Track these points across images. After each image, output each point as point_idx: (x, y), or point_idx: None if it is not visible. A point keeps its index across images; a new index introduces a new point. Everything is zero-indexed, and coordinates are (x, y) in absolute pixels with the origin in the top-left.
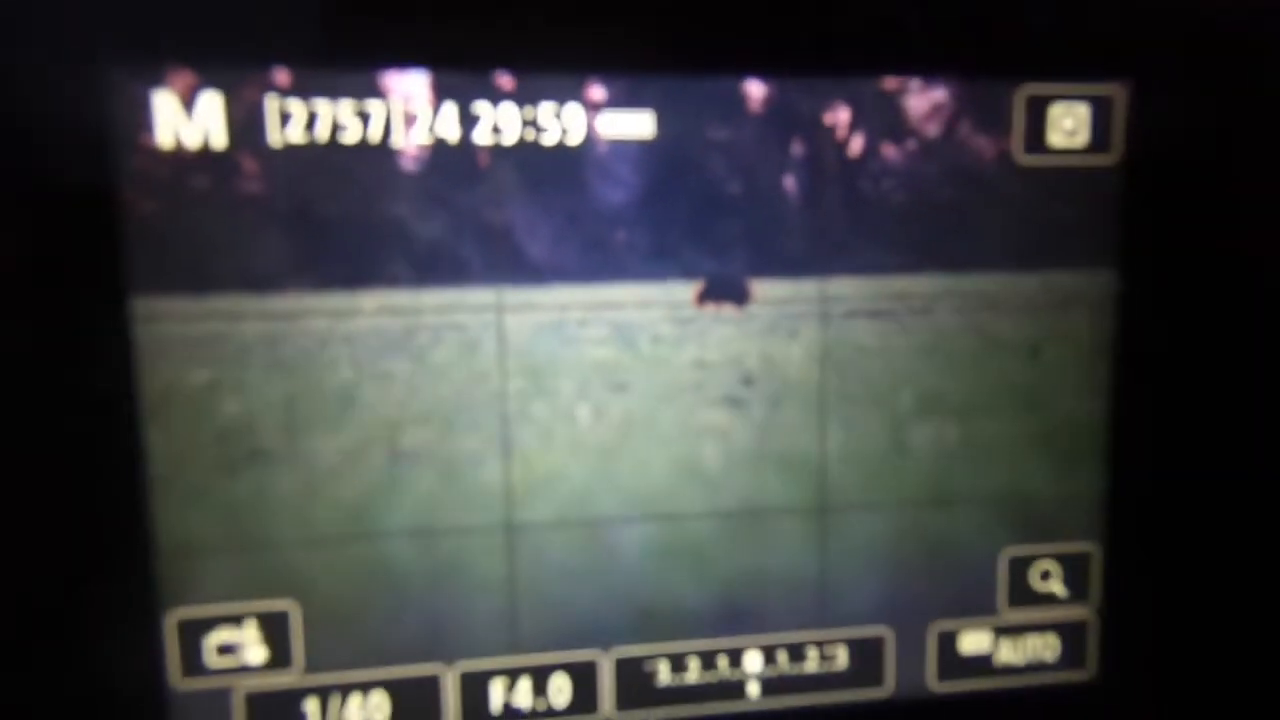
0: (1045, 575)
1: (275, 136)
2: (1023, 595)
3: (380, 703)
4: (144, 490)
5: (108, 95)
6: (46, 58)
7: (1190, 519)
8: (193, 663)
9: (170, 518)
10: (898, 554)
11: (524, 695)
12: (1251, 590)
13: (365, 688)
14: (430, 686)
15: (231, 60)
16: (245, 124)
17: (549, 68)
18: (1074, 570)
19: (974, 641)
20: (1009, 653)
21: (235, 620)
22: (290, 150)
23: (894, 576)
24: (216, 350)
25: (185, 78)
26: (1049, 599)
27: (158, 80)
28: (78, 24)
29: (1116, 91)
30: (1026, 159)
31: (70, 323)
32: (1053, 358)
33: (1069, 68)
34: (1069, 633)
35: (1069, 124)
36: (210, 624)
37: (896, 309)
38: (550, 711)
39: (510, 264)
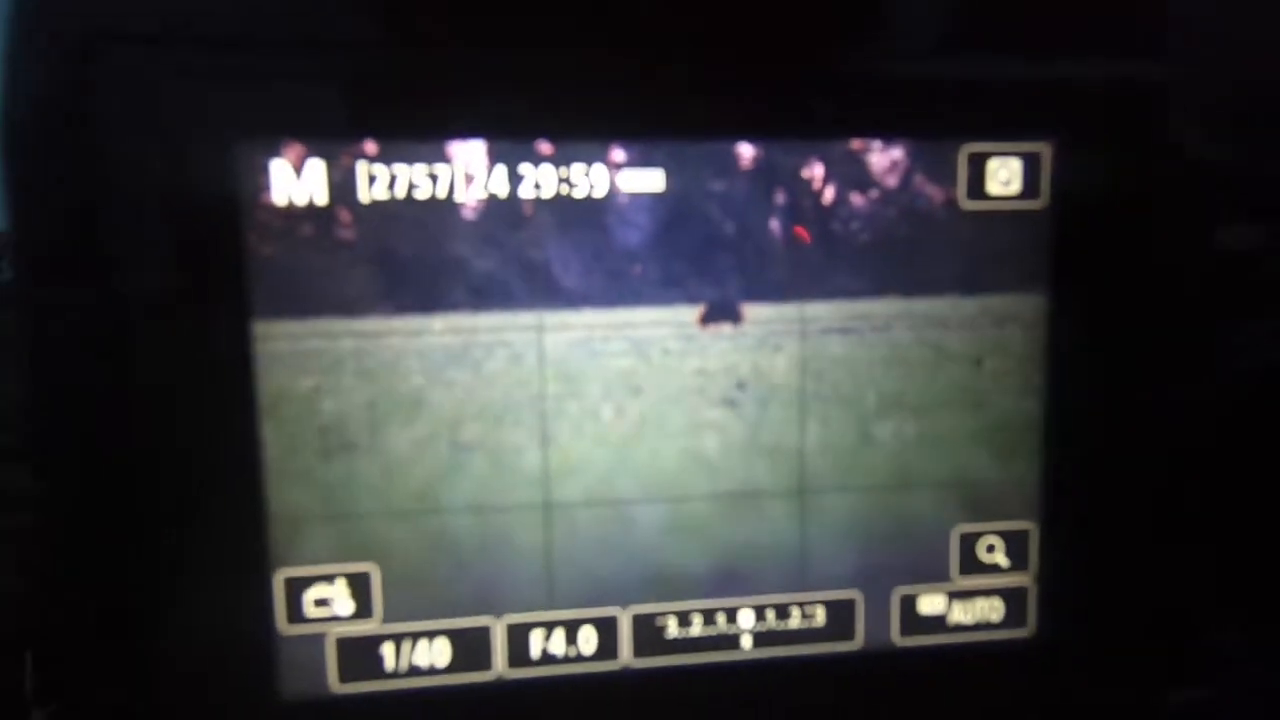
0: (990, 549)
1: (364, 194)
2: (971, 565)
3: (442, 647)
4: (259, 473)
5: (237, 164)
6: (191, 136)
7: (1113, 500)
8: (295, 612)
9: (280, 495)
10: (866, 529)
11: (558, 644)
12: (1165, 560)
13: (431, 635)
14: (483, 635)
15: (331, 135)
16: (341, 185)
17: (579, 136)
18: (1015, 544)
19: (930, 604)
20: (960, 613)
21: (329, 579)
22: (376, 205)
23: (863, 548)
24: (317, 362)
25: (296, 149)
26: (994, 569)
27: (275, 152)
28: (216, 110)
29: (1043, 148)
30: (969, 204)
31: (205, 341)
32: (993, 367)
33: (1003, 130)
34: (1011, 597)
35: (1004, 175)
36: (309, 581)
37: (862, 327)
38: (579, 657)
39: (548, 292)
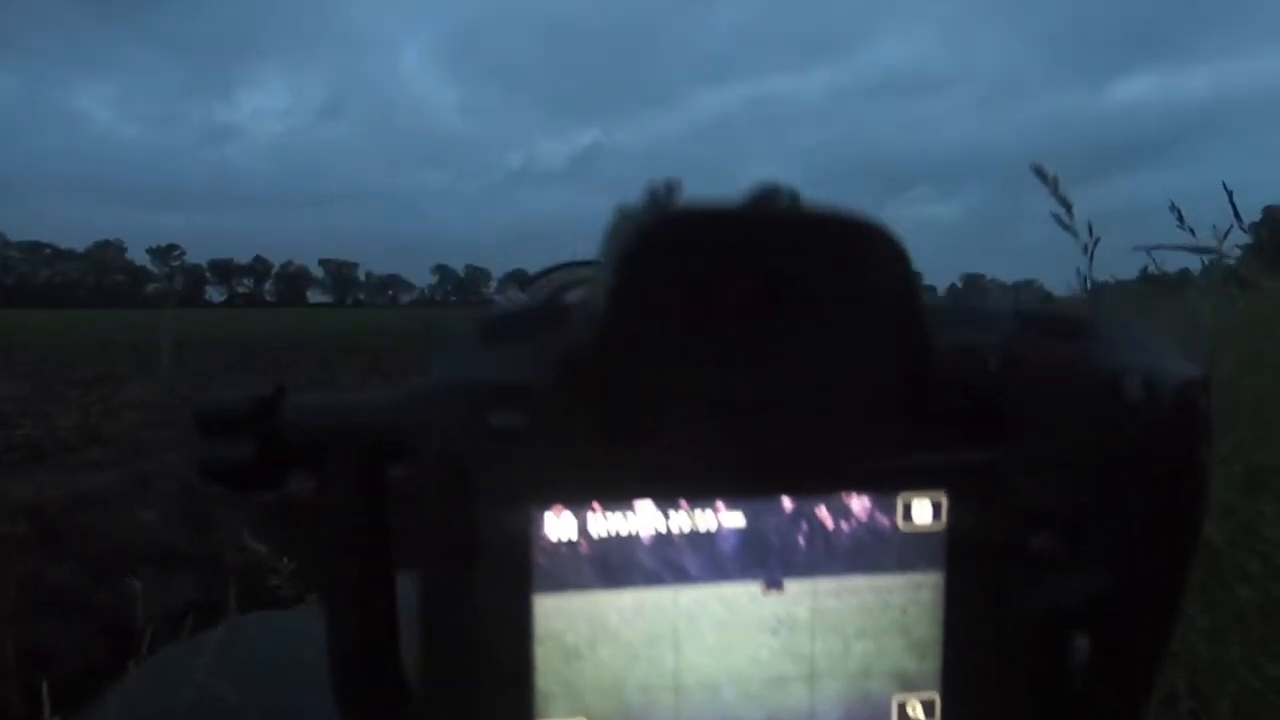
0: (914, 709)
1: (593, 531)
2: (902, 717)
3: None
4: (532, 672)
5: (529, 517)
6: (507, 503)
7: (982, 681)
8: None
9: (542, 682)
10: (845, 698)
11: None
12: (1011, 712)
13: None
14: None
15: (576, 502)
16: (581, 526)
17: (699, 498)
18: (927, 707)
19: None
20: None
21: None
22: (599, 537)
23: (843, 708)
24: (565, 615)
25: (558, 508)
26: None
27: (547, 508)
28: (520, 491)
29: (942, 496)
30: (903, 526)
31: (511, 604)
32: (913, 611)
33: (921, 487)
34: None
35: (921, 511)
36: None
37: (844, 592)
38: None
39: (682, 576)
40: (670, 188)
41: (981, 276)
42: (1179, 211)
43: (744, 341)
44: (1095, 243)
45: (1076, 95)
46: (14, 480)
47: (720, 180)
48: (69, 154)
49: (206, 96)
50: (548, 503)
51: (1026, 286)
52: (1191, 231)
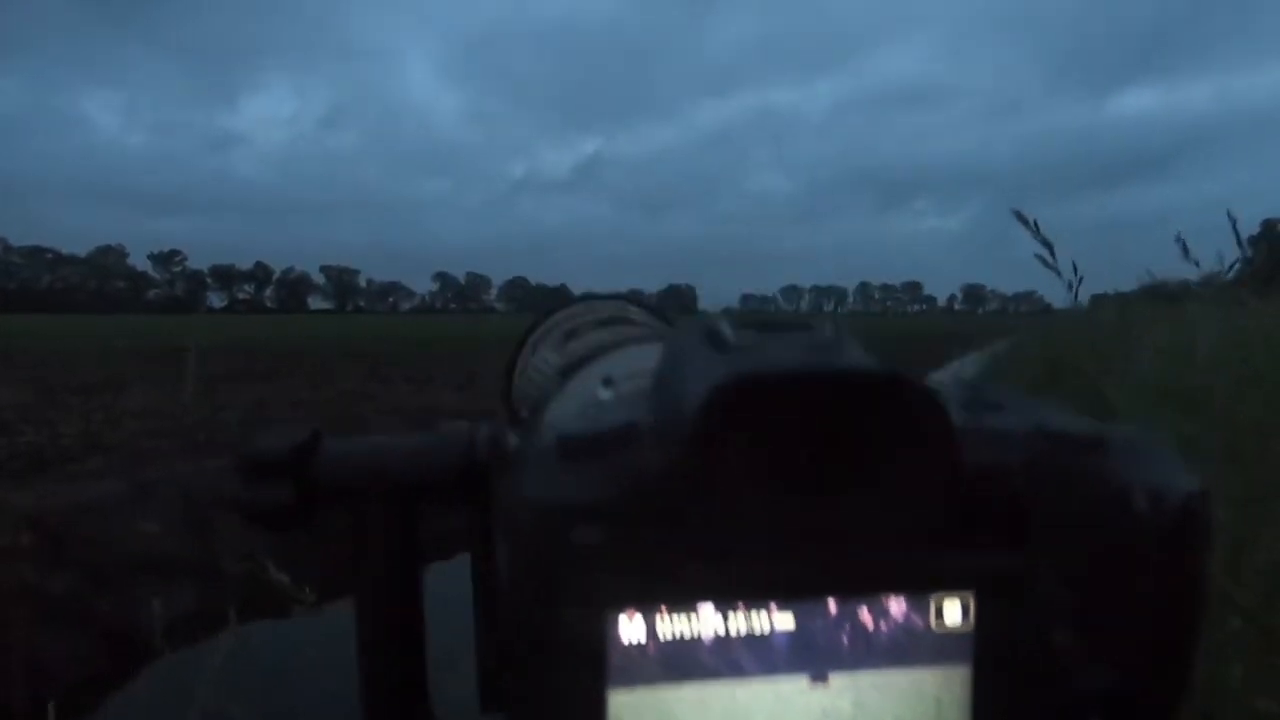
0: None
1: (661, 633)
2: None
3: None
4: None
5: (605, 621)
6: (589, 607)
7: None
8: None
9: None
10: None
11: None
12: None
13: None
14: None
15: (646, 606)
16: (649, 629)
17: (755, 601)
18: None
19: None
20: None
21: None
22: (665, 640)
23: None
24: (635, 708)
25: (630, 612)
26: None
27: (622, 611)
28: (599, 598)
29: (969, 597)
30: (935, 626)
31: (591, 699)
32: (945, 702)
33: (950, 589)
34: None
35: (951, 611)
36: None
37: (886, 686)
38: None
39: (739, 671)
40: (731, 323)
41: (982, 287)
42: (1184, 244)
43: (801, 478)
44: (1079, 281)
45: (1078, 108)
46: (16, 489)
47: (722, 188)
48: (72, 159)
49: (210, 103)
50: (621, 607)
51: (1026, 297)
52: (1196, 264)
